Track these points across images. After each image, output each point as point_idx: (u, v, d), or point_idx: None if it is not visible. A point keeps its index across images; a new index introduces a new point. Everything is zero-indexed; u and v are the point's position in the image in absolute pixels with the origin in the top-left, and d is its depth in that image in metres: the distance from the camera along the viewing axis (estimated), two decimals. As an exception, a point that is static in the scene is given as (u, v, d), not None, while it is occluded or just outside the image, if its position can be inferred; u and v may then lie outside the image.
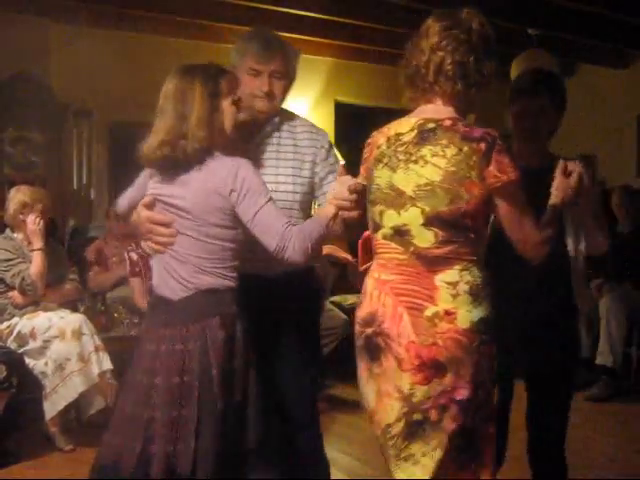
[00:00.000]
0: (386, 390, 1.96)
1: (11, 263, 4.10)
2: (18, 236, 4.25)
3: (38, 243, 4.10)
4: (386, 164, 2.00)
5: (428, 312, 1.90)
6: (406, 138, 1.98)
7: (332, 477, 2.66)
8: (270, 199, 2.16)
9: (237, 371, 2.17)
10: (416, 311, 1.91)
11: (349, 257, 6.29)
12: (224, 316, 2.17)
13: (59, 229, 5.21)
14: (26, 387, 3.91)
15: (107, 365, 4.01)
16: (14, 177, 5.10)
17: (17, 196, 4.26)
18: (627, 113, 6.86)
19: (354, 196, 2.08)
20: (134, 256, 4.64)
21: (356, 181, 2.09)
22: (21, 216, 4.22)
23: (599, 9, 5.47)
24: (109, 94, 5.42)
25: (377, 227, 2.05)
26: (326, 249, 5.69)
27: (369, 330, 1.99)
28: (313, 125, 2.62)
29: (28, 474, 3.63)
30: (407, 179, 1.95)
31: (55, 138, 5.36)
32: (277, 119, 2.52)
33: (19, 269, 4.08)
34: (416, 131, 1.97)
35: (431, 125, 1.96)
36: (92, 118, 5.55)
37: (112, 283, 4.86)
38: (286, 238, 2.09)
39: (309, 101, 6.67)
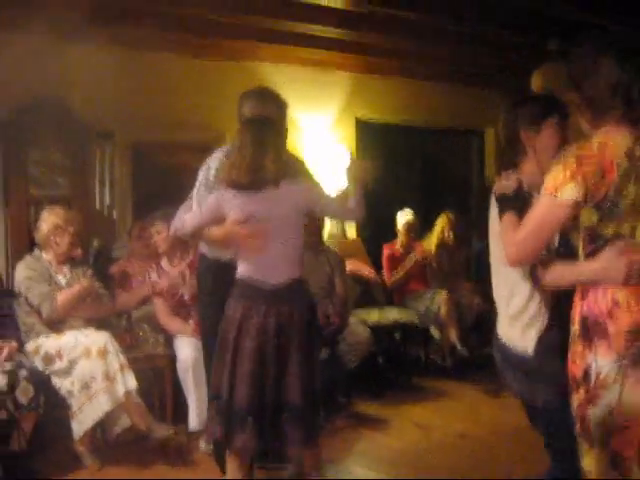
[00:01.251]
0: None
1: (34, 283, 4.15)
2: (47, 257, 4.30)
3: (85, 283, 4.29)
4: (634, 179, 2.10)
5: None
6: (638, 153, 2.11)
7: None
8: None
9: (313, 340, 3.09)
10: None
11: (372, 273, 6.30)
12: (308, 300, 3.13)
13: (83, 249, 5.25)
14: (53, 407, 3.93)
15: (132, 384, 4.02)
16: (39, 197, 5.15)
17: (50, 218, 4.32)
18: None
19: None
20: (155, 276, 4.64)
21: None
22: (52, 237, 4.27)
23: (617, 24, 5.44)
24: (131, 115, 5.45)
25: None
26: (350, 265, 5.70)
27: None
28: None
29: (56, 493, 3.65)
30: None
31: (78, 160, 5.41)
32: None
33: (40, 290, 4.12)
34: None
35: None
36: (114, 139, 5.59)
37: (135, 303, 4.85)
38: (356, 211, 3.17)
39: (330, 118, 6.68)
